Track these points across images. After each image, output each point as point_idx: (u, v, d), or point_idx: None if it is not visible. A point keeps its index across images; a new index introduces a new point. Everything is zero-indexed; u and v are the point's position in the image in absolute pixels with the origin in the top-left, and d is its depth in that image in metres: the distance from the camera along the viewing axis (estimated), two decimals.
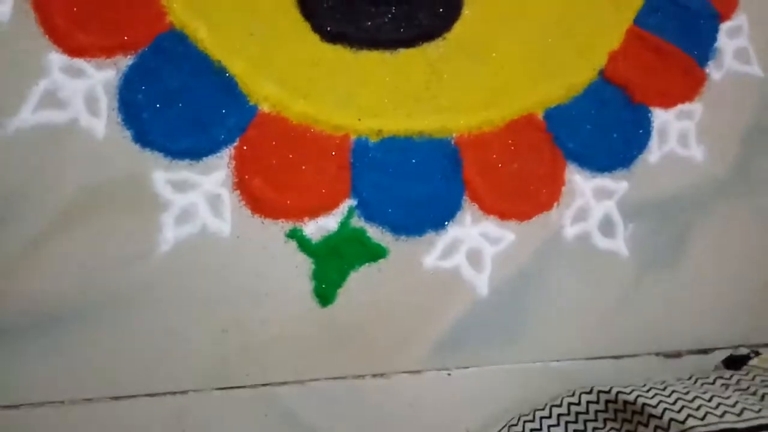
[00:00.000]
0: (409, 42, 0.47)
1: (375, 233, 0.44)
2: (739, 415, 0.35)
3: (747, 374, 0.42)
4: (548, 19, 0.51)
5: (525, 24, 0.50)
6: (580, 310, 0.47)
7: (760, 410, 0.35)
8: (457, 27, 0.49)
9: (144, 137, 0.41)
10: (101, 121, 0.41)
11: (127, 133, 0.41)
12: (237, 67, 0.43)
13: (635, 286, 0.48)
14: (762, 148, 0.53)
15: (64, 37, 0.41)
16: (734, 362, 0.46)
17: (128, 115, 0.41)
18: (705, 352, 0.48)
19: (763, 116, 0.54)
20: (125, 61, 0.42)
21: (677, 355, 0.48)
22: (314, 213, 0.43)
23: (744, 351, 0.46)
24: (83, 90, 0.41)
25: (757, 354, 0.45)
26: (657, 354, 0.48)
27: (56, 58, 0.41)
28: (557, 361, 0.45)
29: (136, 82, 0.42)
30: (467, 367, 0.44)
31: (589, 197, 0.48)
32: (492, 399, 0.43)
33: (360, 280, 0.43)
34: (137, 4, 0.43)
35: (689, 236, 0.50)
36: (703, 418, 0.35)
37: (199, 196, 0.41)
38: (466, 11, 0.49)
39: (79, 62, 0.41)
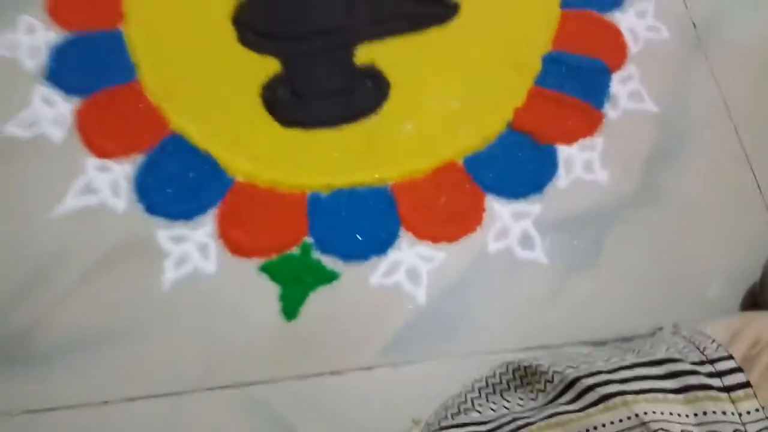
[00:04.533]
0: (350, 119, 0.62)
1: (329, 261, 0.55)
2: (606, 361, 0.42)
3: (643, 342, 0.48)
4: (461, 87, 0.65)
5: (442, 92, 0.64)
6: (509, 309, 0.55)
7: (624, 356, 0.42)
8: (387, 103, 0.63)
9: (152, 208, 0.56)
10: (122, 200, 0.56)
11: (140, 206, 0.56)
12: (217, 152, 0.59)
13: (559, 286, 0.56)
14: (663, 165, 0.63)
15: (97, 146, 0.59)
16: None
17: (141, 194, 0.57)
18: (627, 339, 0.55)
19: (661, 141, 0.64)
20: (140, 158, 0.58)
21: (603, 343, 0.54)
22: (280, 250, 0.55)
23: (654, 330, 0.53)
24: (110, 180, 0.57)
25: (660, 329, 0.51)
26: (584, 343, 0.55)
27: (91, 161, 0.58)
28: (492, 353, 0.53)
29: (147, 171, 0.58)
30: (412, 363, 0.53)
31: (508, 219, 0.59)
32: (435, 389, 0.50)
33: (318, 298, 0.54)
34: (148, 120, 0.60)
35: (603, 243, 0.59)
36: (577, 367, 0.42)
37: (192, 246, 0.55)
38: (392, 91, 0.64)
39: (107, 162, 0.58)
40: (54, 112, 0.59)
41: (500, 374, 0.48)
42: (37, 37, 0.63)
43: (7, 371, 0.50)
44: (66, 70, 0.62)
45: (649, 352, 0.44)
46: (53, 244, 0.54)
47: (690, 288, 0.57)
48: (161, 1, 0.65)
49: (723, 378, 0.38)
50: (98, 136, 0.59)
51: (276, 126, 0.61)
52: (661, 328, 0.53)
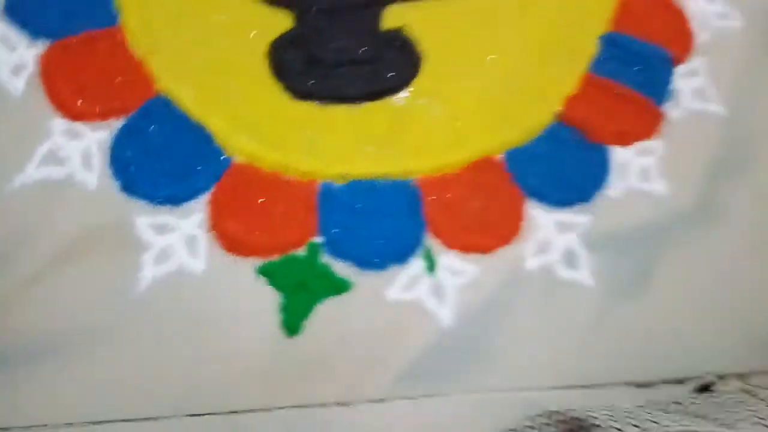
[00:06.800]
0: (374, 95, 0.52)
1: (340, 268, 0.47)
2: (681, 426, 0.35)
3: (713, 398, 0.41)
4: (504, 71, 0.55)
5: (482, 75, 0.54)
6: (547, 339, 0.47)
7: (695, 423, 0.35)
8: (419, 80, 0.53)
9: (130, 187, 0.46)
10: (94, 174, 0.46)
11: (116, 184, 0.46)
12: (214, 124, 0.49)
13: (603, 315, 0.49)
14: (729, 178, 0.54)
15: (66, 105, 0.48)
16: (703, 391, 0.45)
17: (117, 169, 0.47)
18: (680, 381, 0.48)
19: (728, 150, 0.56)
20: (117, 123, 0.48)
21: (649, 384, 0.47)
22: (283, 250, 0.46)
23: (711, 379, 0.46)
24: (80, 149, 0.47)
25: (721, 378, 0.44)
26: (628, 384, 0.47)
27: (59, 123, 0.47)
28: (525, 390, 0.46)
29: (126, 141, 0.48)
30: (432, 396, 0.45)
31: (550, 230, 0.50)
32: (458, 429, 0.44)
33: (325, 311, 0.45)
34: (130, 75, 0.50)
35: (656, 266, 0.51)
36: (645, 429, 0.35)
37: (177, 238, 0.46)
38: (427, 66, 0.54)
39: (78, 125, 0.47)
40: (14, 58, 0.48)
41: (541, 424, 0.41)
42: None
43: None
44: (31, 4, 0.50)
45: (726, 419, 0.37)
46: (5, 225, 0.44)
47: (758, 327, 0.49)
48: None
49: None
50: (67, 91, 0.48)
51: (286, 98, 0.51)
52: (722, 377, 0.46)
